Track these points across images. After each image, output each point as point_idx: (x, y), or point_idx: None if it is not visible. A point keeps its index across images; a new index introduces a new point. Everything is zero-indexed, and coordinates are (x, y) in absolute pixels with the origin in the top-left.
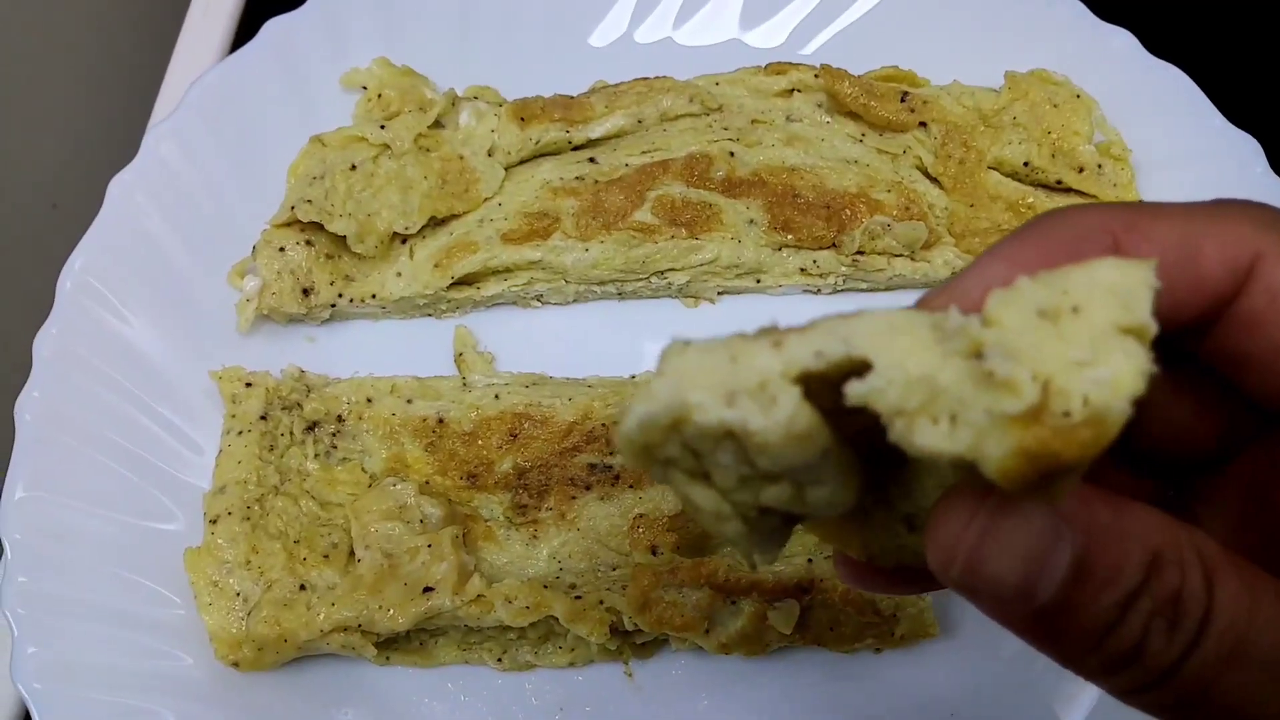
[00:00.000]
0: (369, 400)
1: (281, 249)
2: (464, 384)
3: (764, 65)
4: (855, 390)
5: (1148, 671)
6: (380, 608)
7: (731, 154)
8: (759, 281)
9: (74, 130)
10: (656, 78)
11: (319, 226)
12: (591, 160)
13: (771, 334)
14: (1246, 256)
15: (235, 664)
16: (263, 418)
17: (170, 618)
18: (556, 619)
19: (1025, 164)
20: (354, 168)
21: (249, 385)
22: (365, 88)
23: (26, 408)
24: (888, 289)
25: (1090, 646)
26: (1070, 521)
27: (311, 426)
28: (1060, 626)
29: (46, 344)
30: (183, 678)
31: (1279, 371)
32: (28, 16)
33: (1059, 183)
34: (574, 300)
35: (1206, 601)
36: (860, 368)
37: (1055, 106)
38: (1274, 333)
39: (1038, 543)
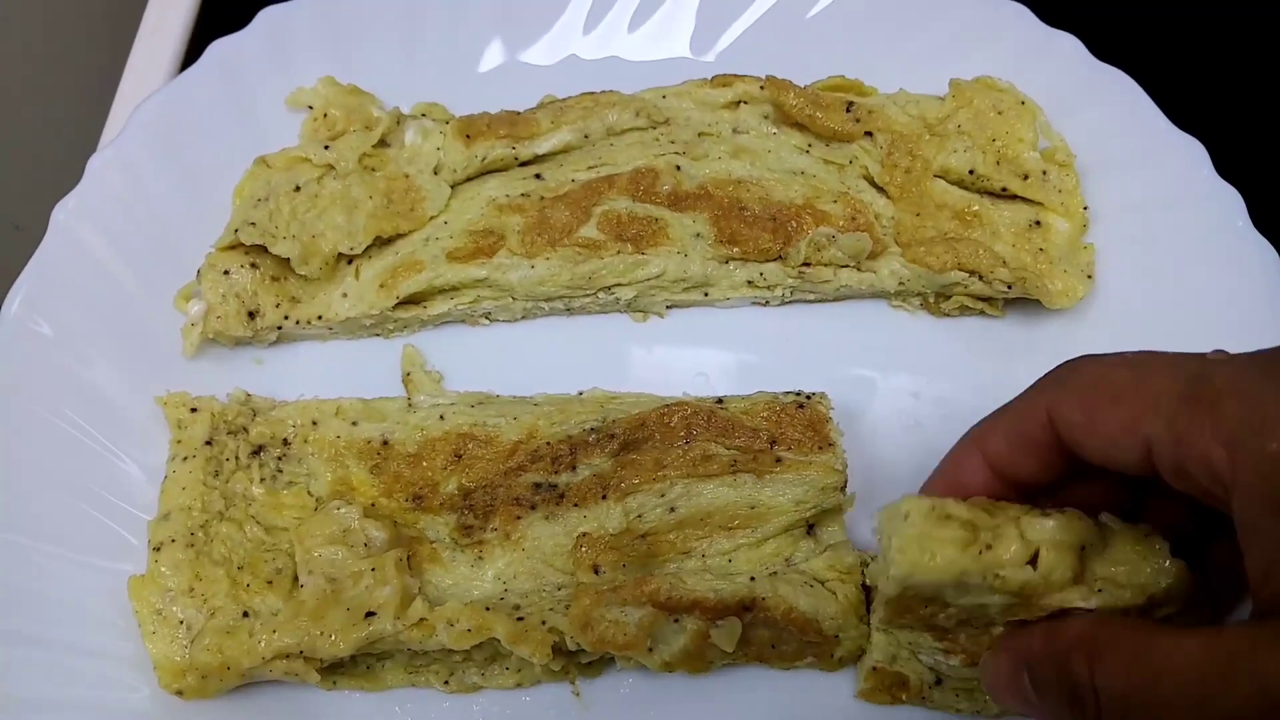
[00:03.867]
0: (314, 423)
1: (226, 272)
2: (409, 405)
3: (710, 78)
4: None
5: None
6: (322, 634)
7: (678, 168)
8: (706, 295)
9: (34, 151)
10: (603, 92)
11: (264, 249)
12: (538, 176)
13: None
14: (1043, 410)
15: (179, 692)
16: (208, 443)
17: (121, 647)
18: (500, 640)
19: (971, 172)
20: (298, 189)
21: (194, 410)
22: (311, 107)
23: None
24: (836, 299)
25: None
26: (1017, 655)
27: (257, 450)
28: (1051, 709)
29: None
30: (135, 708)
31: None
32: None
33: (1004, 190)
34: (522, 317)
35: (1090, 680)
36: None
37: (1000, 113)
38: (1093, 444)
39: (1009, 677)
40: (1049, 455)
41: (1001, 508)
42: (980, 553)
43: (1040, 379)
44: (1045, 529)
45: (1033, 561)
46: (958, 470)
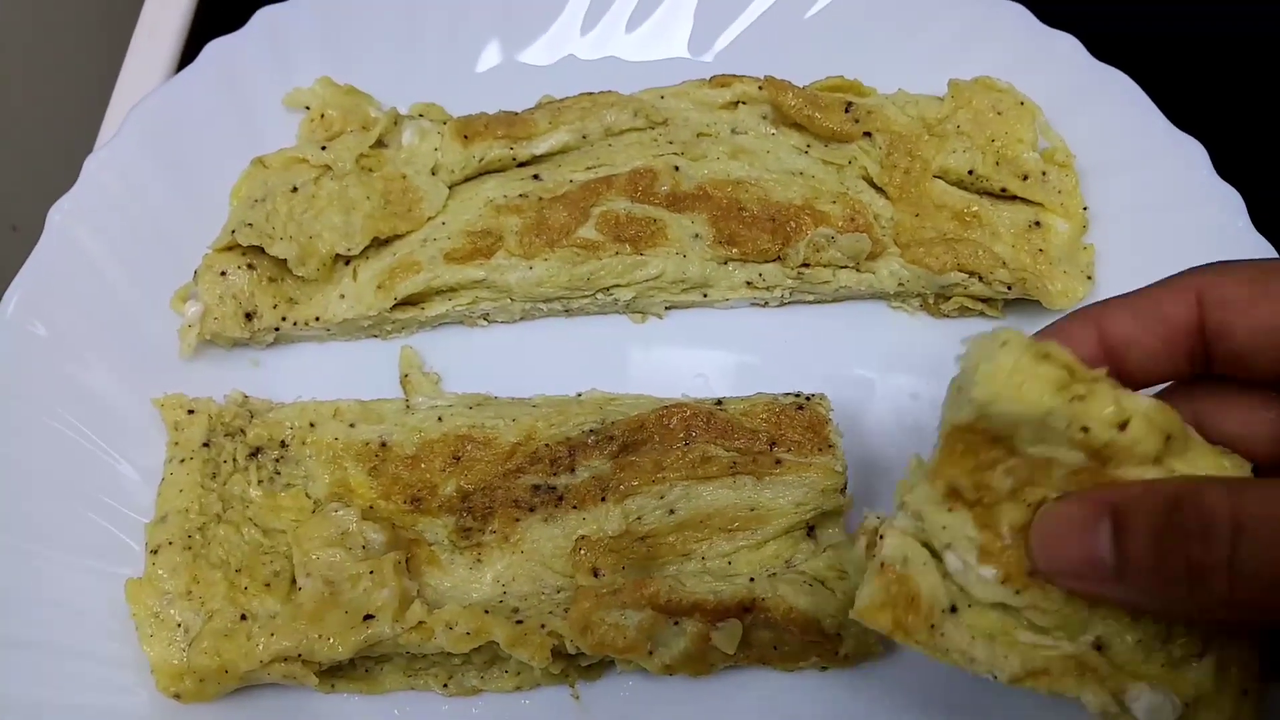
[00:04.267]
0: (312, 425)
1: (223, 273)
2: (407, 407)
3: (708, 78)
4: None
5: (1199, 579)
6: (320, 637)
7: (676, 168)
8: (705, 296)
9: (30, 152)
10: (601, 92)
11: (261, 250)
12: (535, 177)
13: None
14: (1191, 291)
15: (177, 695)
16: (205, 445)
17: (118, 650)
18: (499, 643)
19: (970, 172)
20: (295, 189)
21: (191, 412)
22: (308, 107)
23: None
24: (835, 300)
25: (1154, 585)
26: (1101, 499)
27: (254, 452)
28: (1130, 578)
29: None
30: (133, 711)
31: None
32: None
33: (1004, 190)
34: (521, 318)
35: (1230, 510)
36: None
37: (999, 114)
38: (1247, 324)
39: (1080, 527)
40: (1182, 342)
41: (1100, 375)
42: (1072, 400)
43: (1177, 273)
44: (1142, 402)
45: (1121, 428)
46: (1064, 340)
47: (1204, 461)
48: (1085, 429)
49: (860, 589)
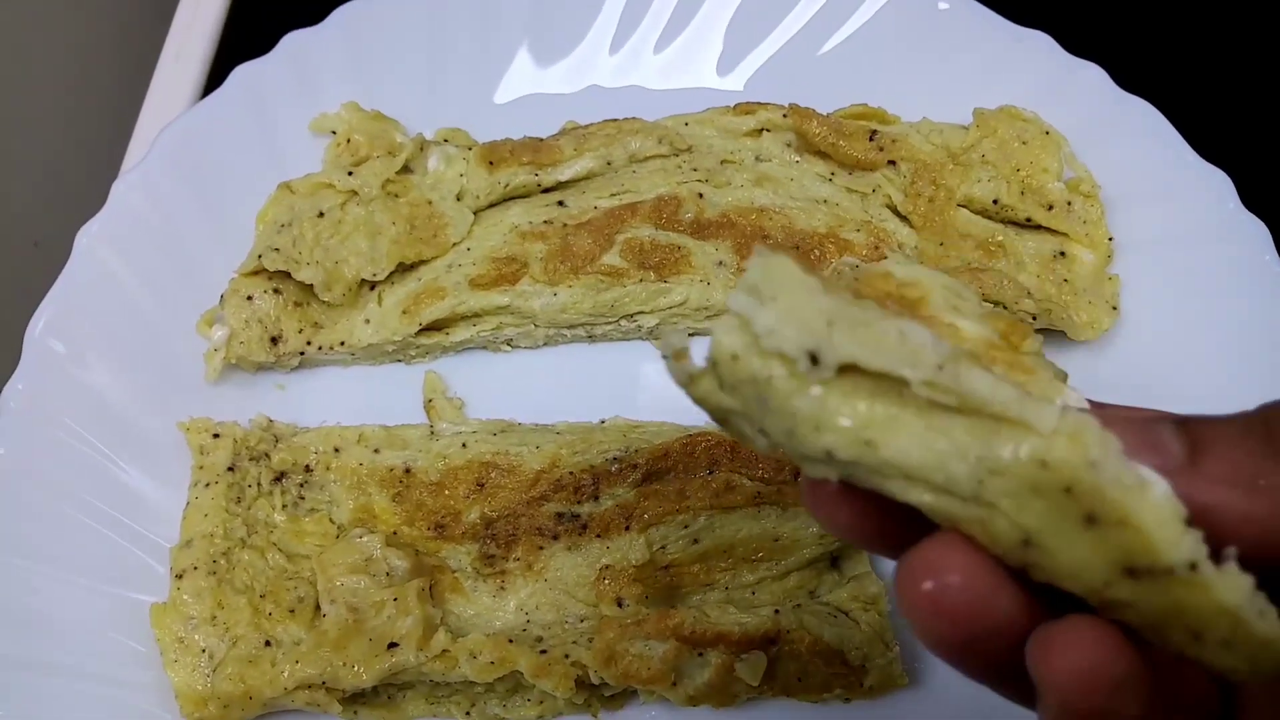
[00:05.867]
0: (336, 450)
1: (249, 297)
2: (431, 433)
3: (733, 105)
4: None
5: None
6: (345, 664)
7: (700, 195)
8: None
9: (55, 171)
10: (625, 119)
11: (287, 274)
12: (560, 203)
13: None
14: None
15: None
16: (230, 469)
17: (143, 676)
18: (522, 673)
19: (995, 201)
20: (322, 215)
21: (216, 436)
22: (334, 132)
23: None
24: None
25: None
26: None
27: (279, 477)
28: None
29: (13, 398)
30: None
31: None
32: (6, 55)
33: (1029, 220)
34: (544, 344)
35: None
36: None
37: (1024, 143)
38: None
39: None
40: None
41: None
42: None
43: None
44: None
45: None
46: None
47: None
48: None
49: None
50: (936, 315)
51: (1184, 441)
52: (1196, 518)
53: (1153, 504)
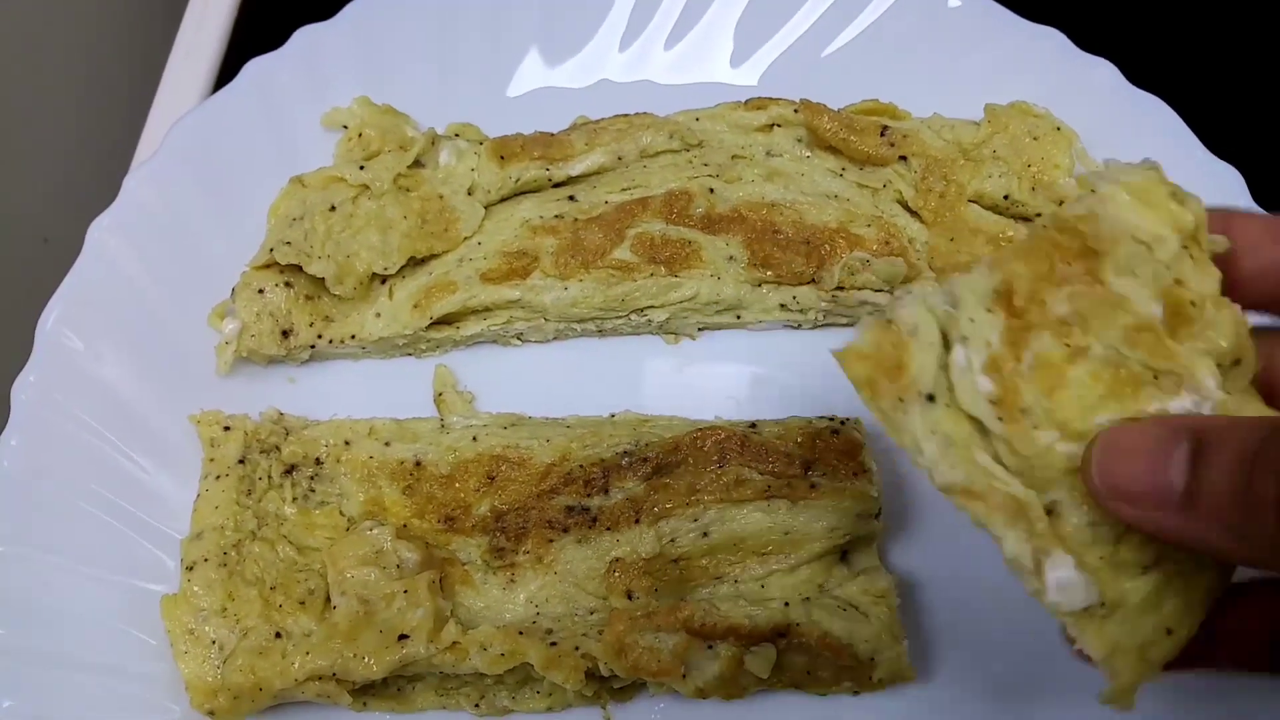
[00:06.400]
0: (347, 443)
1: (261, 291)
2: (442, 426)
3: (744, 100)
4: None
5: None
6: (355, 656)
7: (711, 190)
8: (739, 318)
9: (65, 166)
10: (637, 114)
11: (298, 268)
12: (571, 198)
13: None
14: None
15: (211, 713)
16: (241, 461)
17: (153, 667)
18: (532, 665)
19: (1005, 197)
20: (333, 208)
21: (227, 429)
22: (346, 127)
23: (5, 456)
24: None
25: (1231, 516)
26: (1180, 424)
27: (290, 470)
28: (1200, 508)
29: (25, 391)
30: None
31: None
32: (18, 50)
33: (1039, 216)
34: (554, 338)
35: None
36: None
37: (1035, 139)
38: None
39: (1155, 444)
40: None
41: (1223, 244)
42: (1183, 247)
43: None
44: (1239, 310)
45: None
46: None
47: (1250, 407)
48: (1179, 281)
49: (856, 333)
50: (1108, 280)
51: None
52: None
53: None
